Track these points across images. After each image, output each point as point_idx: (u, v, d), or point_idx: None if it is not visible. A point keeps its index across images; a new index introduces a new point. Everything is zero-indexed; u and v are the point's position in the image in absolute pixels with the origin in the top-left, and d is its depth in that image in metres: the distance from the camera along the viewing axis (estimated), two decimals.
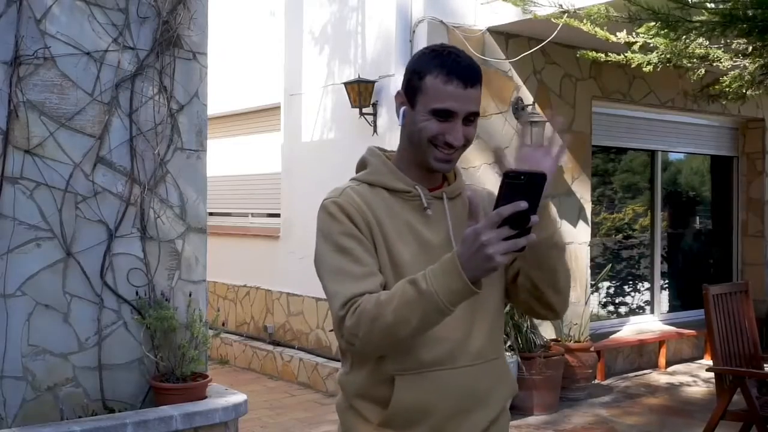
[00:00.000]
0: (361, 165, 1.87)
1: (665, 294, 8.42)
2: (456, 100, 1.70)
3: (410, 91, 1.76)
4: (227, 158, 8.30)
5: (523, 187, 1.44)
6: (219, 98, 7.31)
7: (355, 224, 1.70)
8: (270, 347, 7.44)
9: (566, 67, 6.78)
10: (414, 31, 6.02)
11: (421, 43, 5.93)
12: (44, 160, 4.01)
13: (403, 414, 1.72)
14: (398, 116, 1.79)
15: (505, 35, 6.36)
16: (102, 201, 4.18)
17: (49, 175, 4.03)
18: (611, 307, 8.05)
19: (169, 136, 4.43)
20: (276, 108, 7.59)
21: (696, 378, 7.27)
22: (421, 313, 1.55)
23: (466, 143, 1.74)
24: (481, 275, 1.50)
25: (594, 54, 5.20)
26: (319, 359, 6.85)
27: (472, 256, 1.47)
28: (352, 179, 1.83)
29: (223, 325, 8.09)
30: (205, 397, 4.29)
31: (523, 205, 1.40)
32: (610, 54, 5.17)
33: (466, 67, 1.73)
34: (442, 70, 1.70)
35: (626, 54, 5.03)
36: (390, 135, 6.19)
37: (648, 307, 8.21)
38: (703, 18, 4.27)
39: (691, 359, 7.95)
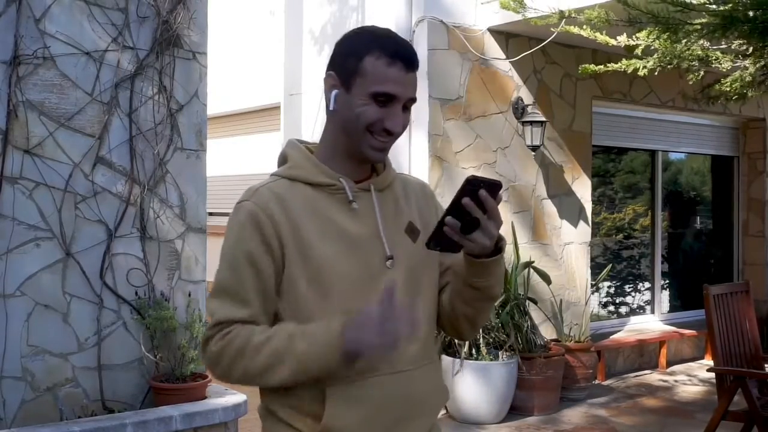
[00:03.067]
0: (282, 159, 1.74)
1: (666, 294, 8.41)
2: (398, 83, 1.59)
3: (345, 73, 1.61)
4: (227, 158, 8.29)
5: (478, 193, 1.51)
6: (219, 98, 7.30)
7: (264, 236, 1.59)
8: None
9: (566, 66, 6.77)
10: (414, 31, 6.01)
11: (422, 42, 5.93)
12: (44, 160, 4.01)
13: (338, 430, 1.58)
14: (328, 100, 1.65)
15: (505, 35, 6.35)
16: (101, 201, 4.18)
17: (49, 175, 4.02)
18: (611, 307, 8.04)
19: (169, 136, 4.42)
20: (276, 108, 7.58)
21: (696, 378, 7.26)
22: (290, 371, 1.53)
23: (402, 131, 1.64)
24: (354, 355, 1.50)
25: (593, 67, 5.17)
26: None
27: (355, 330, 1.49)
28: (272, 175, 1.71)
29: None
30: (205, 398, 4.28)
31: (451, 222, 1.50)
32: (608, 64, 5.13)
33: (409, 50, 1.63)
34: (384, 51, 1.59)
35: (625, 60, 5.00)
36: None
37: (648, 307, 8.21)
38: (703, 20, 4.25)
39: (692, 359, 7.94)
